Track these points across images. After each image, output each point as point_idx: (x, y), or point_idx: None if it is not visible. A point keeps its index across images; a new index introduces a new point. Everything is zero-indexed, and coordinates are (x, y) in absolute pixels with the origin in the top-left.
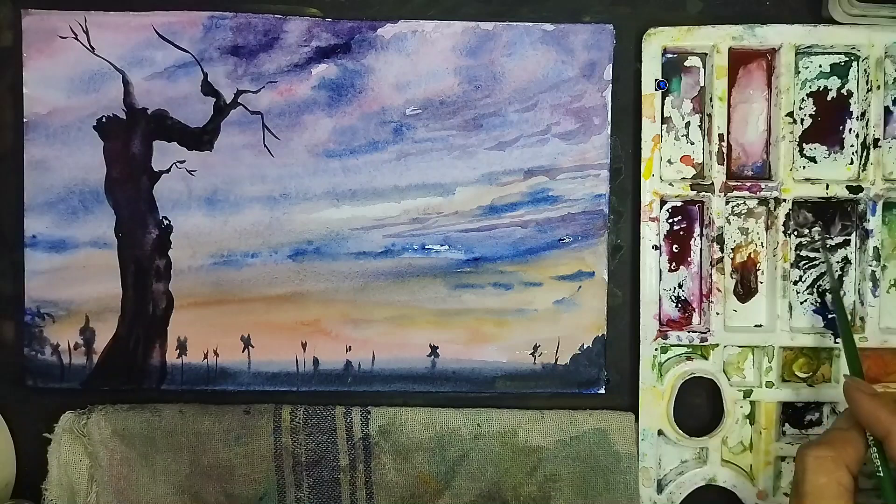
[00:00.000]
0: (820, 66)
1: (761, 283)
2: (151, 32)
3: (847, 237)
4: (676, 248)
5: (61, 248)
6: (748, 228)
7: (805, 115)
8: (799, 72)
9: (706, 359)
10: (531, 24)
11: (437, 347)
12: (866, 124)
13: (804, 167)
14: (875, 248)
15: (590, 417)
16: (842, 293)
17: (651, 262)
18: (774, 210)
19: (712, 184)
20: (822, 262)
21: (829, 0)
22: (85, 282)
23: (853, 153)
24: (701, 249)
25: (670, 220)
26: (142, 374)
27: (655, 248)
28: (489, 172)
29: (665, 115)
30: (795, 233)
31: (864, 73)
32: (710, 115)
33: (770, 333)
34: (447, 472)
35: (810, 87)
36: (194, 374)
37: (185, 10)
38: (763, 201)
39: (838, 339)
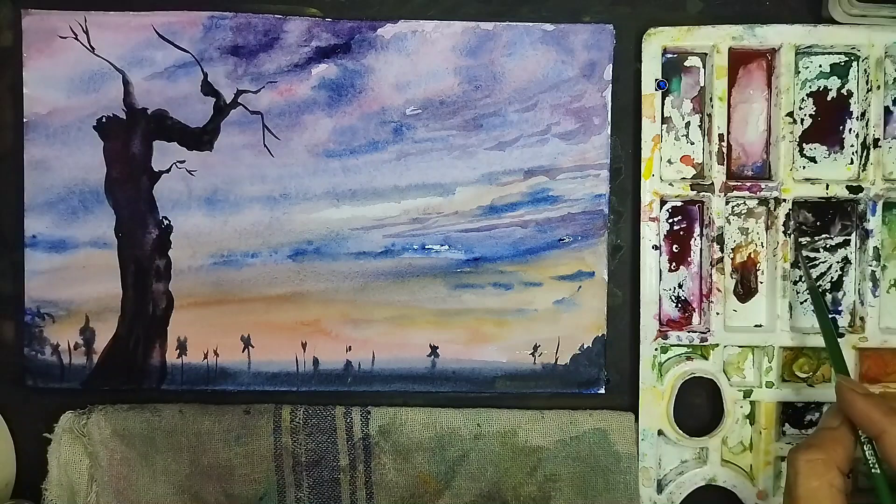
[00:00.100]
0: (820, 66)
1: (761, 283)
2: (151, 32)
3: (847, 237)
4: (676, 248)
5: (61, 248)
6: (748, 228)
7: (805, 115)
8: (799, 72)
9: (706, 359)
10: (531, 24)
11: (437, 347)
12: (866, 124)
13: (804, 167)
14: (875, 248)
15: (590, 417)
16: (819, 289)
17: (651, 262)
18: (774, 210)
19: (712, 184)
20: (822, 262)
21: (829, 0)
22: (85, 282)
23: (853, 153)
24: (701, 249)
25: (670, 220)
26: (142, 374)
27: (655, 248)
28: (489, 172)
29: (665, 115)
30: (795, 233)
31: (864, 73)
32: (710, 115)
33: (770, 333)
34: (447, 472)
35: (810, 87)
36: (194, 374)
37: (185, 10)
38: (763, 201)
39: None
